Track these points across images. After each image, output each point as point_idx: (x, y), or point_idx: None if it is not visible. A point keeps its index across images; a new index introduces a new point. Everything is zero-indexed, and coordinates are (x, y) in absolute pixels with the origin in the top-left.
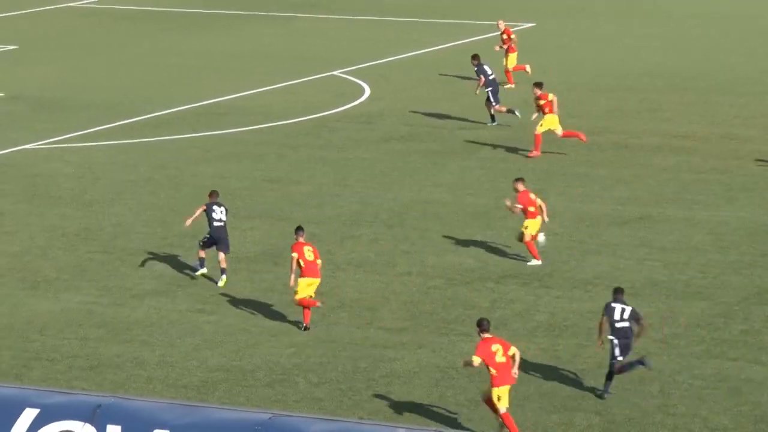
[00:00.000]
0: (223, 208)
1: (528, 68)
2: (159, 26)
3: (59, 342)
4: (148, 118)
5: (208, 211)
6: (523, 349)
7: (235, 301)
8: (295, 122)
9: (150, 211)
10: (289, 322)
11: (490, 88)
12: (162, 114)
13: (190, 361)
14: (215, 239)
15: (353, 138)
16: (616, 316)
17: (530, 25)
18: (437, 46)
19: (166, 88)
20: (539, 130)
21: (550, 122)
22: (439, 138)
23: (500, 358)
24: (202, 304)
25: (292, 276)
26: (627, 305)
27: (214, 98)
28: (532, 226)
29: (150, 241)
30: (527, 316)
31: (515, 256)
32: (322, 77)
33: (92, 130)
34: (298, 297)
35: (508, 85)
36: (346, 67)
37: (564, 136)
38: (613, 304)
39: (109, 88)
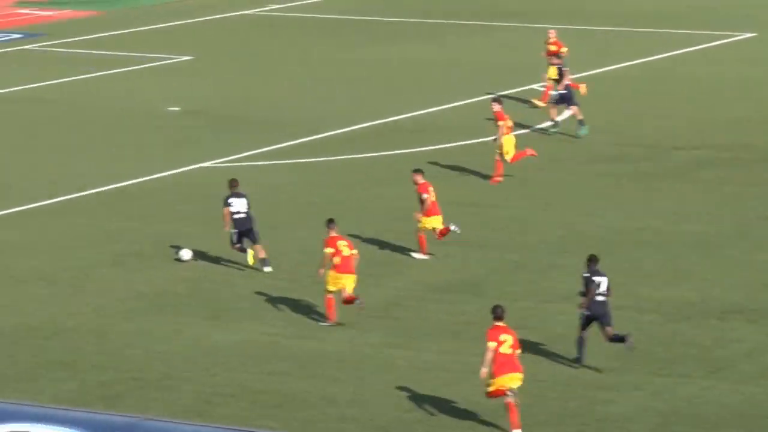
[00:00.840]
0: (243, 199)
1: (583, 88)
2: (344, 36)
3: (243, 376)
4: (332, 135)
5: (225, 205)
6: (752, 394)
7: (431, 335)
8: (491, 140)
9: None
10: None
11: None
12: (347, 130)
13: (384, 399)
14: (241, 232)
15: (555, 158)
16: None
17: (750, 35)
18: (648, 57)
19: (352, 101)
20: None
21: (507, 144)
22: (652, 158)
23: (506, 349)
24: (396, 337)
25: (322, 270)
26: (604, 276)
27: (404, 113)
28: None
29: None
30: (756, 357)
31: (741, 290)
32: (520, 91)
33: (273, 147)
34: (331, 289)
35: (540, 103)
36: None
37: (514, 161)
38: (594, 277)
39: (290, 102)
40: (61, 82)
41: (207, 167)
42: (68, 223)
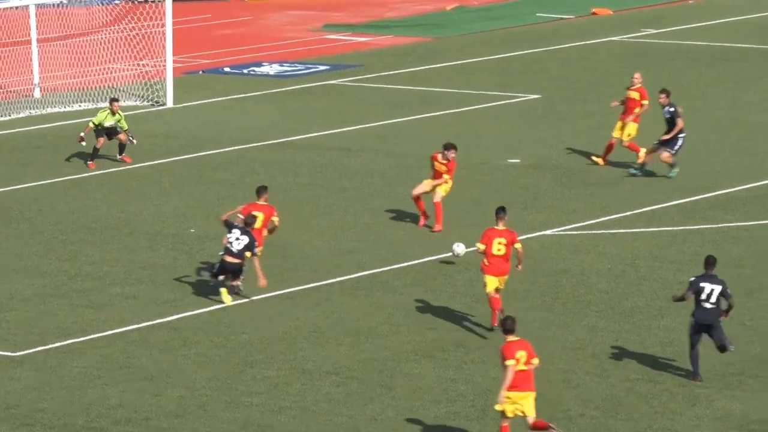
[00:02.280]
0: (245, 238)
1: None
2: (739, 70)
3: None
4: (714, 195)
5: (227, 228)
6: None
7: None
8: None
9: None
10: None
11: None
12: (732, 191)
13: None
14: (224, 270)
15: None
16: (703, 296)
17: None
18: None
19: (743, 153)
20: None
21: (444, 190)
22: None
23: (521, 366)
24: None
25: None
26: (716, 284)
27: None
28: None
29: (706, 369)
30: None
31: None
32: None
33: (637, 211)
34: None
35: (596, 158)
36: None
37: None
38: (701, 283)
39: None
40: (375, 126)
41: (552, 236)
42: (371, 303)
